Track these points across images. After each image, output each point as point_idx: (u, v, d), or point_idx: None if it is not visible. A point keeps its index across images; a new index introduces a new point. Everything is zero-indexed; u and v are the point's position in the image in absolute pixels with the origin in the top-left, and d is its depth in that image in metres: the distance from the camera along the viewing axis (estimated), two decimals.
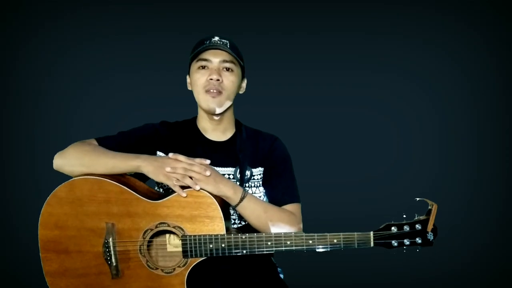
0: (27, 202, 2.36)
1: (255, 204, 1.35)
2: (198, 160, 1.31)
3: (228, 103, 1.45)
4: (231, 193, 1.31)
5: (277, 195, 1.44)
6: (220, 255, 1.25)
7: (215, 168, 1.40)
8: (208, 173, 1.28)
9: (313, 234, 1.23)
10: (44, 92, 2.46)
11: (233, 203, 1.32)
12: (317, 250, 1.24)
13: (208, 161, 1.31)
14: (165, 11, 2.46)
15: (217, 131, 1.50)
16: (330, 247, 1.23)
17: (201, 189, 1.27)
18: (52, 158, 1.36)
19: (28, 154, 2.45)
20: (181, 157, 1.30)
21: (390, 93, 2.52)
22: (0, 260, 2.40)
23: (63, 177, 1.32)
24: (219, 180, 1.30)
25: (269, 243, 1.24)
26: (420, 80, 2.52)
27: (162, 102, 2.33)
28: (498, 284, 2.43)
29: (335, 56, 2.50)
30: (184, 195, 1.26)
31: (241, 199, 1.32)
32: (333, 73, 2.51)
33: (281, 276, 1.51)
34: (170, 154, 1.31)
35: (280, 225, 1.35)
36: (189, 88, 1.52)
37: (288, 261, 1.61)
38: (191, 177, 1.27)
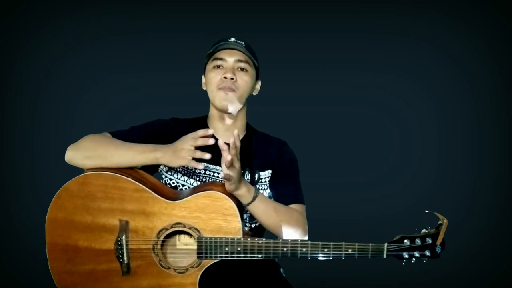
0: (29, 202, 2.36)
1: (266, 204, 1.36)
2: (201, 131, 1.25)
3: (241, 103, 1.45)
4: (245, 191, 1.31)
5: (283, 195, 1.45)
6: (235, 258, 1.26)
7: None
8: (211, 141, 1.23)
9: (329, 242, 1.24)
10: (44, 92, 2.46)
11: (246, 201, 1.32)
12: (330, 258, 1.25)
13: (211, 131, 1.25)
14: (165, 11, 2.46)
15: (228, 132, 1.49)
16: (344, 256, 1.24)
17: (216, 190, 1.27)
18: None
19: (28, 154, 2.45)
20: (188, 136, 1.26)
21: (390, 93, 2.52)
22: (5, 257, 2.40)
23: (64, 177, 1.29)
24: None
25: (285, 249, 1.25)
26: (420, 80, 2.52)
27: (162, 102, 2.32)
28: (498, 284, 2.43)
29: (334, 57, 2.50)
30: (201, 167, 1.23)
31: (254, 198, 1.32)
32: (333, 74, 2.51)
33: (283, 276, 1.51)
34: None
35: (289, 224, 1.35)
36: (204, 88, 1.53)
37: (289, 260, 1.61)
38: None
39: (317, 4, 2.51)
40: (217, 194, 1.26)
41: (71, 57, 2.45)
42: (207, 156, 1.23)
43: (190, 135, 1.26)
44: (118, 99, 2.43)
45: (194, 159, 1.24)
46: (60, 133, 2.40)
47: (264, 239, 1.26)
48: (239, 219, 1.26)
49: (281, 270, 1.53)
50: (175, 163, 1.26)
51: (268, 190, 1.49)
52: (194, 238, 1.26)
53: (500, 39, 2.46)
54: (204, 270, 1.29)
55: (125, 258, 1.26)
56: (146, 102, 2.38)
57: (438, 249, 1.24)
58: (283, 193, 1.46)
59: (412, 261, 1.26)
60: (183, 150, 1.24)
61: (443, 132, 2.54)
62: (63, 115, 2.46)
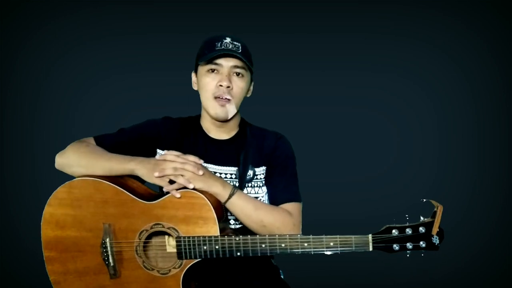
0: (29, 202, 2.37)
1: (244, 202, 1.31)
2: (191, 158, 1.29)
3: (235, 111, 1.42)
4: (220, 189, 1.28)
5: (276, 193, 1.41)
6: (215, 256, 1.23)
7: (218, 167, 1.41)
8: (201, 172, 1.27)
9: (309, 236, 1.19)
10: (44, 92, 2.46)
11: (222, 199, 1.29)
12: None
13: (201, 161, 1.30)
14: (165, 11, 2.46)
15: (221, 131, 1.48)
16: (326, 250, 1.18)
17: (191, 188, 1.26)
18: (52, 158, 1.36)
19: (28, 154, 2.45)
20: (170, 157, 1.29)
21: (390, 93, 2.52)
22: (5, 257, 2.40)
23: (63, 177, 1.32)
24: (208, 176, 1.29)
25: (263, 245, 1.21)
26: (420, 80, 2.52)
27: (162, 102, 2.32)
28: (498, 284, 2.43)
29: (334, 57, 2.50)
30: (178, 195, 1.24)
31: (230, 196, 1.29)
32: (333, 74, 2.50)
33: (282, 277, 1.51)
34: (165, 151, 1.32)
35: (272, 224, 1.31)
36: (194, 88, 1.49)
37: (289, 263, 1.61)
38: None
39: (317, 4, 2.51)
40: (191, 193, 1.25)
41: (71, 57, 2.45)
42: (191, 186, 1.25)
43: (176, 158, 1.28)
44: (118, 99, 2.43)
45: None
46: (60, 133, 2.41)
47: (241, 236, 1.22)
48: (215, 216, 1.23)
49: (280, 271, 1.52)
50: (152, 180, 1.28)
51: (265, 188, 1.45)
52: (173, 237, 1.26)
53: (500, 39, 2.46)
54: (204, 275, 1.29)
55: (111, 260, 1.27)
56: (146, 102, 2.37)
57: (436, 240, 1.11)
58: (276, 190, 1.42)
59: (407, 255, 1.14)
60: (164, 170, 1.26)
61: (443, 132, 2.54)
62: (63, 115, 2.46)
